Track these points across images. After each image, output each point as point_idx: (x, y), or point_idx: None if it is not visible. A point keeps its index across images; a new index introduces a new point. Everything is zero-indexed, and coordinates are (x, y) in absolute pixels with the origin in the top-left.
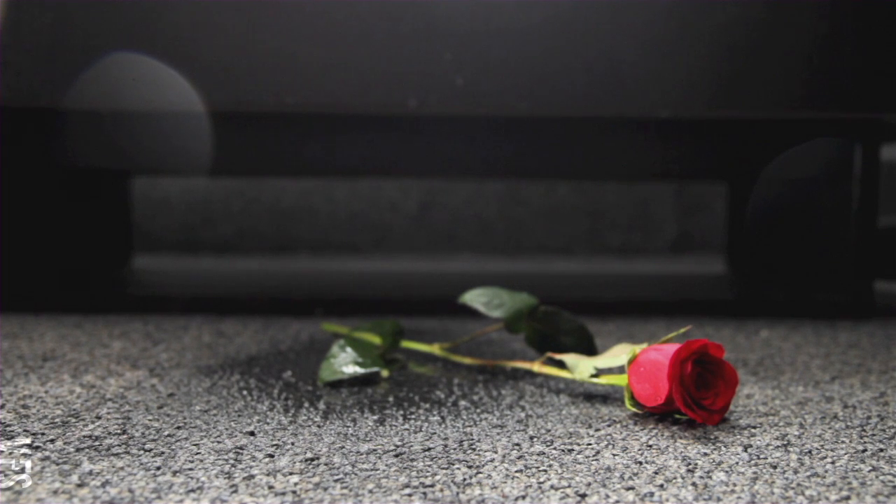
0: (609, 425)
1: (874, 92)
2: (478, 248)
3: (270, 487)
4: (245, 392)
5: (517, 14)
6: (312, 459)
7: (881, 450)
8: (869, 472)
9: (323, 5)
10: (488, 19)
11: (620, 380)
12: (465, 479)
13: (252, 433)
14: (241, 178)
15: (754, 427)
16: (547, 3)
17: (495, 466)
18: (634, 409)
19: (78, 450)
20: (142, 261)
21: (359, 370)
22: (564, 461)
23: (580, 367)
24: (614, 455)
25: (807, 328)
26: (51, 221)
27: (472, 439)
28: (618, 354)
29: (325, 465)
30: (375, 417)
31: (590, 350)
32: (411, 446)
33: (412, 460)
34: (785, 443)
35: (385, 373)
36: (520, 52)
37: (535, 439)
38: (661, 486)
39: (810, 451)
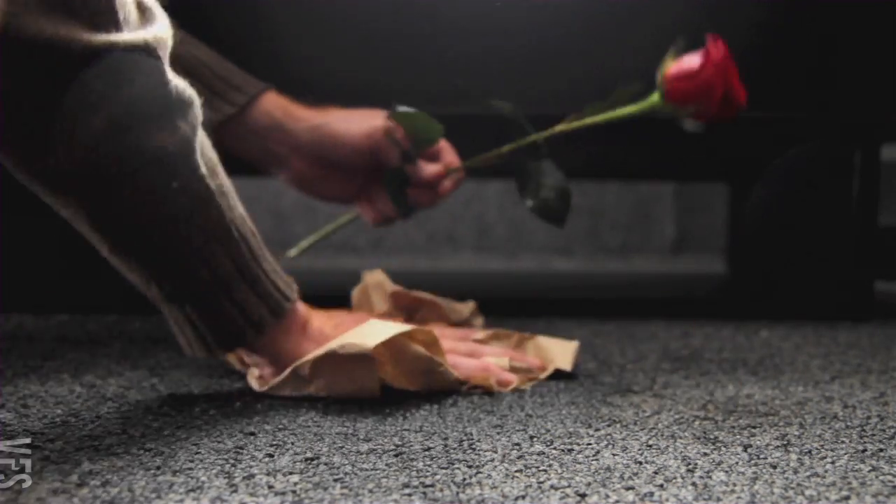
0: (609, 425)
1: (874, 93)
2: (478, 248)
3: (270, 487)
4: (245, 392)
5: (516, 15)
6: (312, 459)
7: (881, 450)
8: (869, 472)
9: (323, 4)
10: (490, 18)
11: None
12: (465, 479)
13: (252, 433)
14: (241, 178)
15: (754, 427)
16: (547, 4)
17: (495, 466)
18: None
19: (78, 449)
20: None
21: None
22: (564, 461)
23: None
24: (614, 455)
25: (807, 328)
26: (51, 221)
27: (472, 439)
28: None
29: (325, 464)
30: (375, 417)
31: None
32: (411, 446)
33: (412, 460)
34: (785, 443)
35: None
36: (519, 52)
37: (535, 439)
38: (661, 486)
39: (810, 451)
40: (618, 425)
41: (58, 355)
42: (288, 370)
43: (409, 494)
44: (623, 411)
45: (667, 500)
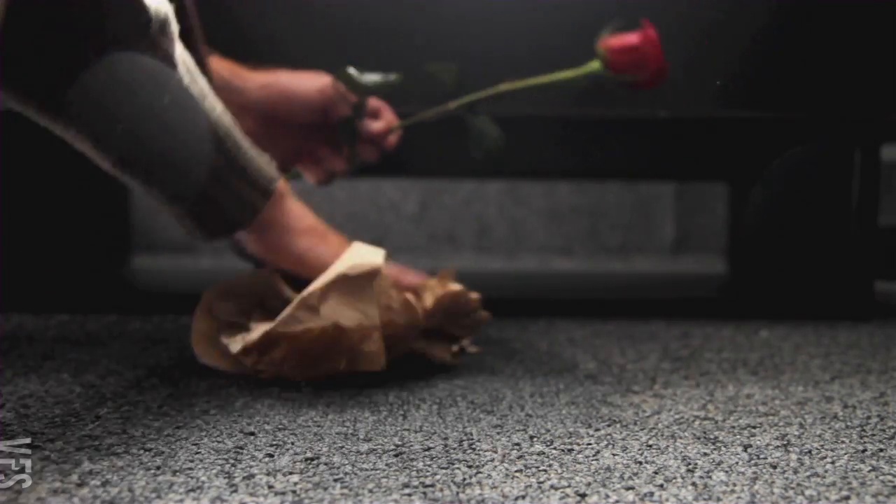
0: (609, 425)
1: (874, 93)
2: (478, 248)
3: (270, 487)
4: (245, 392)
5: (517, 13)
6: (312, 459)
7: (881, 450)
8: (869, 472)
9: (323, 1)
10: (490, 18)
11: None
12: (464, 479)
13: (252, 433)
14: None
15: (754, 427)
16: (547, 4)
17: (495, 466)
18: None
19: (78, 449)
20: (142, 261)
21: None
22: (564, 461)
23: None
24: (614, 455)
25: (807, 328)
26: (51, 221)
27: (472, 439)
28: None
29: (325, 464)
30: (375, 417)
31: None
32: (411, 446)
33: (412, 460)
34: (785, 443)
35: None
36: (519, 51)
37: (535, 439)
38: (661, 486)
39: (810, 451)
40: (618, 425)
41: (58, 355)
42: (295, 301)
43: (409, 494)
44: (623, 411)
45: (667, 500)
